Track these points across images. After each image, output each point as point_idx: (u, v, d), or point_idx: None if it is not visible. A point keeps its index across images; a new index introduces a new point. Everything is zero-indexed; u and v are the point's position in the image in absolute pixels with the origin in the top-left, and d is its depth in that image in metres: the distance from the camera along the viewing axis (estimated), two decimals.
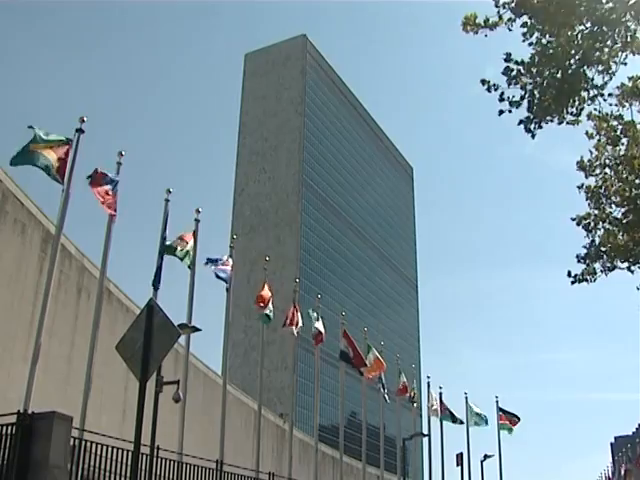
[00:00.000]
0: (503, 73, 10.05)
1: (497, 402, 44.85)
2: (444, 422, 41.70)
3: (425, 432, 41.63)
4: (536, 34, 9.88)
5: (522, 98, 10.13)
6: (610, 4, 9.48)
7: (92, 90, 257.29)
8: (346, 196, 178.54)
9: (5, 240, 22.35)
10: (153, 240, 21.17)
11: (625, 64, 10.03)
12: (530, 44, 9.99)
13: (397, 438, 41.94)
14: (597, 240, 14.72)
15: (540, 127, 10.40)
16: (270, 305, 26.69)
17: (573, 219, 15.17)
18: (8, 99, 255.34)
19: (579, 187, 15.09)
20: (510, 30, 9.72)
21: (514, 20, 9.75)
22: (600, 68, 9.91)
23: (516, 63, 10.02)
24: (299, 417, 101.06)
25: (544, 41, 9.89)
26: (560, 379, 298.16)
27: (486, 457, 42.82)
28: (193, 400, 25.14)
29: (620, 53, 9.82)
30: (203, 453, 19.47)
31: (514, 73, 10.03)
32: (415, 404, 41.99)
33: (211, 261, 23.40)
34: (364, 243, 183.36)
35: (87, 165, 18.09)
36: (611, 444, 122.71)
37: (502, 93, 10.07)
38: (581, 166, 15.03)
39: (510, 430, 44.72)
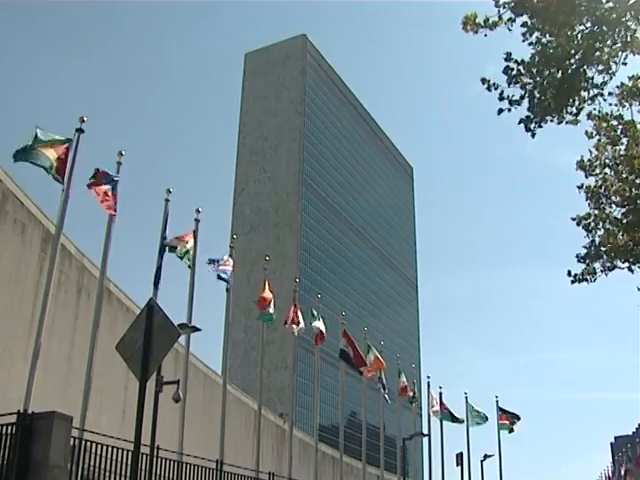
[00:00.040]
0: (503, 72, 10.06)
1: (497, 402, 44.90)
2: (444, 422, 41.71)
3: (425, 432, 41.65)
4: (536, 34, 9.88)
5: (522, 98, 10.13)
6: (610, 4, 9.48)
7: (92, 90, 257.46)
8: (346, 196, 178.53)
9: (5, 240, 22.36)
10: (153, 240, 21.20)
11: (625, 64, 10.03)
12: (530, 44, 9.99)
13: (397, 438, 41.94)
14: (597, 240, 14.72)
15: (540, 126, 10.40)
16: (272, 305, 26.72)
17: (573, 219, 15.17)
18: (8, 99, 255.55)
19: (579, 187, 15.09)
20: (510, 30, 9.72)
21: (514, 20, 9.75)
22: (600, 68, 9.92)
23: (516, 63, 10.02)
24: (299, 417, 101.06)
25: (544, 41, 9.89)
26: (560, 379, 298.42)
27: (486, 457, 42.82)
28: (193, 400, 25.14)
29: (620, 53, 9.82)
30: (203, 453, 19.46)
31: (514, 72, 10.03)
32: (415, 404, 41.99)
33: (212, 262, 23.42)
34: (364, 243, 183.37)
35: (87, 165, 18.11)
36: (611, 444, 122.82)
37: (502, 92, 10.07)
38: (581, 166, 15.03)
39: (511, 430, 44.75)
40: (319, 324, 30.59)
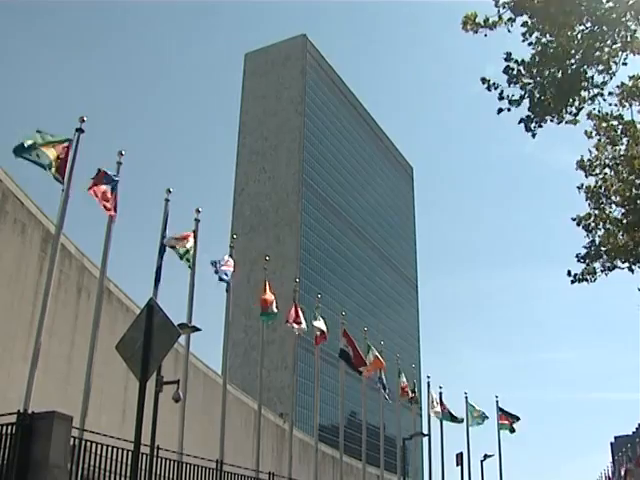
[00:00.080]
0: (504, 72, 10.05)
1: (497, 402, 44.92)
2: (444, 422, 41.72)
3: (425, 432, 41.65)
4: (536, 34, 9.88)
5: (522, 98, 10.13)
6: (610, 4, 9.47)
7: (92, 90, 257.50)
8: (346, 196, 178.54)
9: (5, 240, 22.36)
10: (153, 240, 21.21)
11: (625, 64, 10.02)
12: (530, 44, 9.99)
13: (397, 438, 41.93)
14: (597, 240, 14.71)
15: (540, 126, 10.40)
16: (274, 305, 26.76)
17: (573, 219, 15.17)
18: (8, 99, 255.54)
19: (579, 187, 15.08)
20: (509, 32, 9.72)
21: (514, 20, 9.74)
22: (600, 68, 9.91)
23: (516, 63, 10.02)
24: (299, 417, 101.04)
25: (544, 41, 9.89)
26: (560, 379, 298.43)
27: (486, 457, 42.84)
28: (193, 400, 25.14)
29: (620, 53, 9.82)
30: (203, 453, 19.46)
31: (514, 72, 10.03)
32: (415, 404, 41.98)
33: (214, 264, 23.46)
34: (364, 243, 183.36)
35: (87, 165, 18.12)
36: (611, 444, 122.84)
37: (501, 92, 10.07)
38: (581, 166, 15.02)
39: (512, 430, 44.79)
40: (320, 324, 30.59)
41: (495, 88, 10.09)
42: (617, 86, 12.22)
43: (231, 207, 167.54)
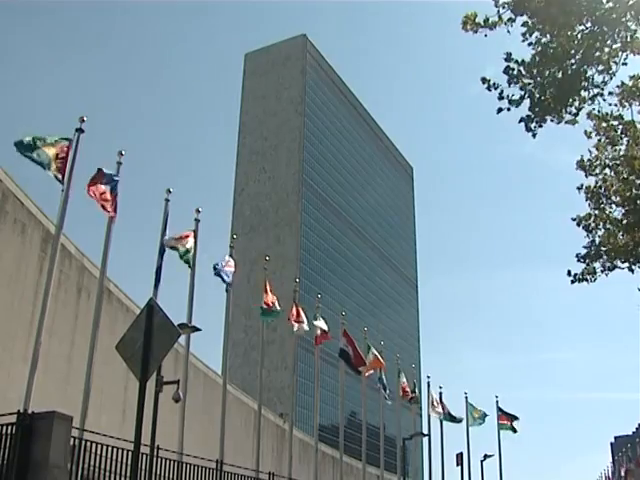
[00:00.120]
0: (504, 72, 10.04)
1: (497, 402, 44.93)
2: (444, 422, 41.71)
3: (425, 432, 41.64)
4: (536, 34, 9.87)
5: (522, 98, 10.12)
6: (610, 4, 9.47)
7: (92, 90, 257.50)
8: (346, 196, 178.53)
9: (5, 240, 22.35)
10: (153, 240, 21.20)
11: (625, 64, 10.02)
12: (530, 44, 9.98)
13: (397, 438, 41.92)
14: (597, 240, 14.71)
15: (541, 126, 10.39)
16: (277, 305, 26.82)
17: (573, 219, 15.16)
18: (8, 98, 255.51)
19: (579, 188, 15.07)
20: (509, 32, 9.71)
21: (514, 20, 9.74)
22: (600, 68, 9.90)
23: (516, 63, 10.01)
24: (299, 417, 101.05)
25: (544, 41, 9.88)
26: (560, 379, 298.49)
27: (486, 457, 42.84)
28: (193, 400, 25.14)
29: (620, 53, 9.81)
30: (203, 453, 19.47)
31: (515, 73, 10.02)
32: (415, 404, 41.97)
33: (216, 268, 23.50)
34: (364, 243, 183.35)
35: (87, 165, 18.11)
36: (611, 444, 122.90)
37: (501, 92, 10.06)
38: (581, 165, 15.01)
39: (514, 430, 44.84)
40: (321, 323, 30.60)
41: (495, 88, 10.09)
42: (617, 86, 12.22)
43: (231, 207, 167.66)
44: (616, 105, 12.84)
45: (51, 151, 16.31)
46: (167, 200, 21.63)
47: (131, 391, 19.27)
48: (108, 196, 18.06)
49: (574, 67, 9.90)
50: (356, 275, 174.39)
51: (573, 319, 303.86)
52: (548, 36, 9.86)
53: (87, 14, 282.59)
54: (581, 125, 11.34)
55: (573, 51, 9.81)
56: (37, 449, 12.64)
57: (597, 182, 14.83)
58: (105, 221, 18.63)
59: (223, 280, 23.65)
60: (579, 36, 9.73)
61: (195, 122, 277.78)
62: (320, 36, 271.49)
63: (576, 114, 10.46)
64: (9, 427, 12.85)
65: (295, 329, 28.62)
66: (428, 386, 41.59)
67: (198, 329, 19.42)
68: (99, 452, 14.14)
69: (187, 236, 22.01)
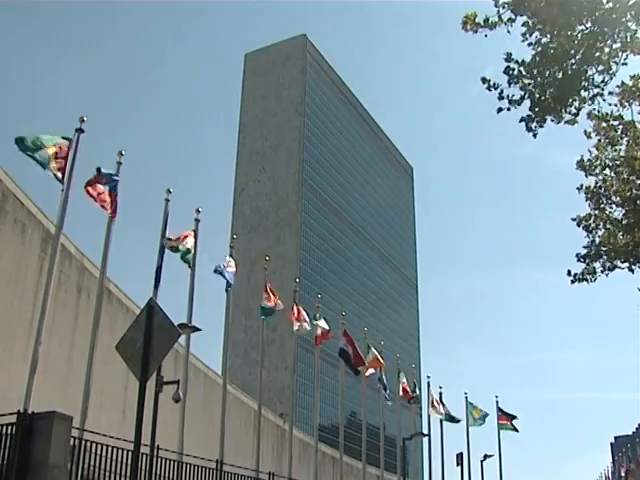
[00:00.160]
0: (504, 72, 10.04)
1: (497, 402, 44.93)
2: (444, 422, 41.72)
3: (425, 432, 41.64)
4: (536, 34, 9.87)
5: (522, 98, 10.12)
6: (610, 4, 9.46)
7: (92, 89, 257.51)
8: (346, 196, 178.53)
9: (5, 240, 22.35)
10: (153, 240, 21.20)
11: (625, 64, 10.02)
12: (530, 44, 9.98)
13: (397, 438, 41.92)
14: (597, 240, 14.71)
15: (541, 126, 10.39)
16: (280, 304, 26.87)
17: (573, 219, 15.16)
18: (7, 98, 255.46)
19: (579, 189, 15.07)
20: (509, 32, 9.71)
21: (514, 20, 9.73)
22: (600, 68, 9.90)
23: (517, 63, 10.01)
24: (299, 417, 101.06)
25: (544, 41, 9.88)
26: (560, 379, 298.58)
27: (486, 457, 42.83)
28: (193, 400, 25.13)
29: (620, 53, 9.80)
30: (203, 453, 19.47)
31: (515, 73, 10.02)
32: (415, 404, 41.97)
33: (218, 270, 23.55)
34: (364, 243, 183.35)
35: (87, 165, 18.11)
36: (611, 444, 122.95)
37: (501, 92, 10.06)
38: (581, 165, 15.01)
39: (516, 429, 44.87)
40: (322, 323, 30.60)
41: (495, 88, 10.08)
42: (617, 86, 12.22)
43: (231, 207, 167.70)
44: (616, 105, 12.84)
45: (50, 150, 16.32)
46: (167, 200, 21.63)
47: (131, 391, 19.26)
48: (106, 197, 18.05)
49: (574, 67, 9.90)
50: (356, 275, 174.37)
51: (573, 319, 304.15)
52: (548, 36, 9.85)
53: (87, 14, 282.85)
54: (581, 125, 11.35)
55: (573, 51, 9.80)
56: (37, 449, 12.64)
57: (597, 182, 14.83)
58: (105, 221, 18.64)
59: (227, 281, 23.73)
60: (579, 36, 9.72)
61: (195, 122, 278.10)
62: (320, 36, 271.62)
63: (576, 114, 10.45)
64: (9, 427, 12.85)
65: (295, 328, 28.60)
66: (428, 386, 41.62)
67: (198, 329, 19.42)
68: (99, 452, 14.14)
69: (187, 236, 22.02)
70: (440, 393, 42.23)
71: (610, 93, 11.36)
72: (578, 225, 14.98)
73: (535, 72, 9.98)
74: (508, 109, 10.14)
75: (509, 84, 10.09)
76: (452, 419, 42.14)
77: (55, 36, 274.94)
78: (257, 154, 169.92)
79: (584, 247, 14.72)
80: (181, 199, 24.07)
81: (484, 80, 10.14)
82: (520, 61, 10.01)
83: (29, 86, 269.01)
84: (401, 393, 39.15)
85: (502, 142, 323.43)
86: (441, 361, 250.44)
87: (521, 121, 10.34)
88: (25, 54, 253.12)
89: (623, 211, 14.52)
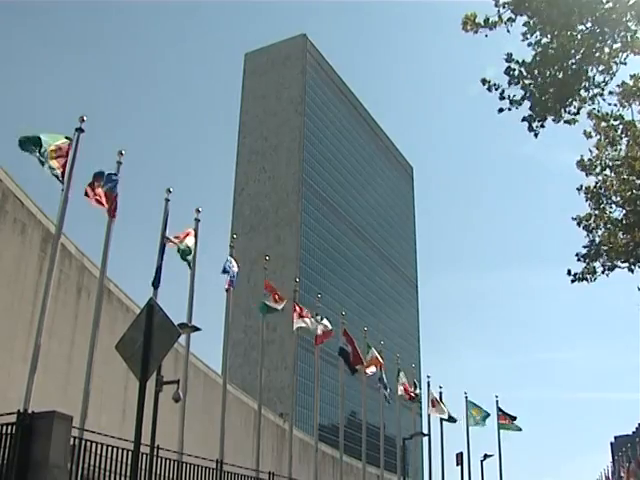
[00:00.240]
0: (505, 73, 10.04)
1: (497, 402, 44.91)
2: (443, 422, 41.70)
3: (425, 432, 41.63)
4: (536, 34, 9.86)
5: (523, 99, 10.12)
6: (610, 4, 9.46)
7: (92, 89, 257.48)
8: (346, 196, 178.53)
9: (5, 240, 22.35)
10: (153, 240, 21.17)
11: (625, 64, 10.02)
12: (530, 44, 9.97)
13: (397, 438, 41.91)
14: (597, 240, 14.71)
15: (543, 126, 10.39)
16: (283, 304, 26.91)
17: (574, 219, 15.17)
18: (7, 98, 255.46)
19: (579, 189, 15.08)
20: (509, 32, 9.71)
21: (514, 20, 9.73)
22: (600, 68, 9.90)
23: (517, 63, 10.01)
24: (299, 417, 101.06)
25: (544, 41, 9.88)
26: (560, 379, 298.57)
27: (486, 457, 42.79)
28: (193, 400, 25.13)
29: (620, 53, 9.80)
30: (203, 452, 19.46)
31: (516, 73, 10.02)
32: (415, 403, 41.97)
33: (226, 272, 23.64)
34: (364, 243, 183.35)
35: (87, 165, 18.11)
36: (611, 444, 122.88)
37: (502, 92, 10.06)
38: (581, 165, 15.02)
39: (519, 428, 44.90)
40: (326, 323, 30.60)
41: (496, 89, 10.09)
42: (617, 86, 12.23)
43: (231, 207, 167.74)
44: (616, 105, 12.84)
45: (50, 148, 16.32)
46: (167, 200, 21.61)
47: (131, 391, 19.25)
48: (103, 199, 18.05)
49: (574, 67, 9.90)
50: (356, 275, 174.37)
51: (573, 319, 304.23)
52: (548, 36, 9.85)
53: (87, 14, 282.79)
54: (581, 125, 11.37)
55: (573, 51, 9.80)
56: (37, 449, 12.64)
57: (597, 182, 14.84)
58: (105, 221, 18.63)
59: (232, 282, 23.83)
60: (579, 36, 9.72)
61: (195, 122, 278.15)
62: (320, 36, 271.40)
63: (576, 114, 10.46)
64: (9, 427, 12.85)
65: (297, 326, 28.58)
66: (428, 386, 41.61)
67: (198, 329, 19.41)
68: (99, 452, 14.13)
69: (188, 234, 22.03)
70: (440, 393, 42.23)
71: (610, 93, 11.37)
72: (578, 225, 14.99)
73: (535, 72, 9.98)
74: (509, 109, 10.14)
75: (509, 84, 10.09)
76: (450, 419, 42.14)
77: (55, 36, 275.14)
78: (257, 154, 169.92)
79: (584, 247, 14.73)
80: (181, 199, 24.09)
81: (484, 81, 10.14)
82: (521, 61, 10.01)
83: (29, 86, 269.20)
84: (402, 392, 39.15)
85: (502, 142, 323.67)
86: (441, 361, 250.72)
87: (523, 120, 10.34)
88: (25, 54, 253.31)
89: (623, 211, 14.53)
